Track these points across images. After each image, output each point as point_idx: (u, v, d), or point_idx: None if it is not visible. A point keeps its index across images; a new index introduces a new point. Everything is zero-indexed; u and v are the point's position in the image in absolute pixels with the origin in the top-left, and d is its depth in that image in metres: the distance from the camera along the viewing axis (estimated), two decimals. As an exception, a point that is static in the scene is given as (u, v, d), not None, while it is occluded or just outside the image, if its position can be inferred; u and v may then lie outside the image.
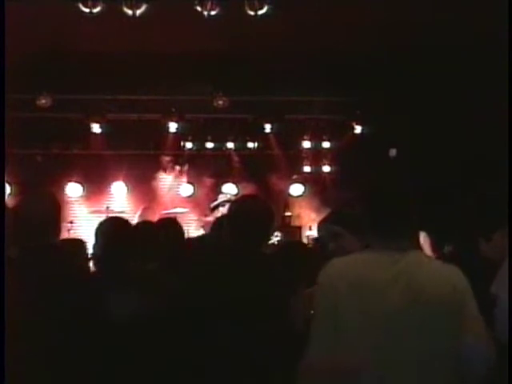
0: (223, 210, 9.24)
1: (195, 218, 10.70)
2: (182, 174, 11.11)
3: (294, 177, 11.21)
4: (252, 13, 7.20)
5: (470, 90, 8.35)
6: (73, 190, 10.65)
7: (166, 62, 8.94)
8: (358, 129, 10.73)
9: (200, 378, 2.95)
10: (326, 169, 11.30)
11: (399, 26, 7.78)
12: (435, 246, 3.84)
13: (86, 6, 7.05)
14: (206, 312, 2.99)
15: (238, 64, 9.08)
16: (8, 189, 8.67)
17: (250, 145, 11.17)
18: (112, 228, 3.78)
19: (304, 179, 11.23)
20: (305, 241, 10.25)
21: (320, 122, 10.96)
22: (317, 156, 11.30)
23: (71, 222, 9.87)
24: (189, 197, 11.01)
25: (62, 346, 2.85)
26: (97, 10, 7.06)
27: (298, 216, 11.03)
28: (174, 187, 11.13)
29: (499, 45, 6.44)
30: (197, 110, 10.60)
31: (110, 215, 7.11)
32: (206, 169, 10.99)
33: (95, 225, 3.85)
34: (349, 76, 9.16)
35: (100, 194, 10.85)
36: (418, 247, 2.65)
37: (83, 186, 10.70)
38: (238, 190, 10.70)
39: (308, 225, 10.66)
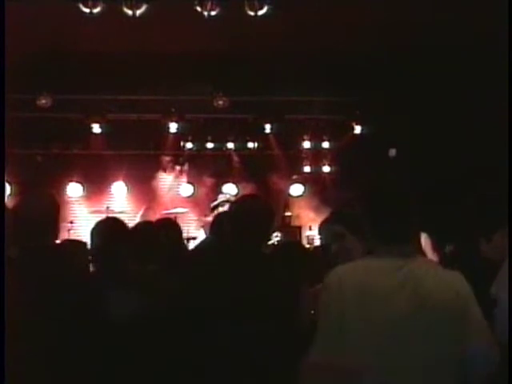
0: (222, 210, 9.23)
1: (195, 217, 10.70)
2: (182, 174, 11.12)
3: (294, 177, 11.22)
4: (252, 13, 7.21)
5: (469, 90, 8.35)
6: (73, 189, 10.67)
7: (166, 61, 8.94)
8: (357, 129, 10.74)
9: (200, 378, 2.95)
10: (326, 169, 11.31)
11: (399, 26, 7.78)
12: (436, 246, 3.84)
13: (86, 6, 7.05)
14: (206, 312, 2.99)
15: (238, 64, 9.08)
16: (8, 189, 8.67)
17: (250, 145, 11.18)
18: (107, 229, 3.78)
19: (304, 179, 11.24)
20: (305, 241, 10.27)
21: (320, 121, 10.97)
22: (317, 156, 11.31)
23: (71, 222, 9.88)
24: (189, 197, 11.01)
25: (61, 346, 2.85)
26: (97, 10, 7.06)
27: (298, 216, 11.04)
28: (174, 187, 11.14)
29: (499, 45, 6.44)
30: (197, 109, 10.60)
31: (109, 215, 7.13)
32: (206, 169, 10.99)
33: (95, 225, 3.86)
34: (349, 76, 9.16)
35: (100, 194, 10.86)
36: (420, 251, 2.65)
37: (83, 185, 10.71)
38: (238, 190, 10.71)
39: (308, 225, 10.67)
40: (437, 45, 8.16)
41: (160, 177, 11.04)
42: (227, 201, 9.43)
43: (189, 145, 11.04)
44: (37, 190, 4.91)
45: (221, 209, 9.63)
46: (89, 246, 4.03)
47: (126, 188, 10.86)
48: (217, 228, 4.80)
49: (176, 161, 11.10)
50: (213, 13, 7.15)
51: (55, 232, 3.22)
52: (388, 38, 8.24)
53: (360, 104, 10.40)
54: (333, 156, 11.23)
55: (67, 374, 2.85)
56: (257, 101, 10.49)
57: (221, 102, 10.32)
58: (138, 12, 7.13)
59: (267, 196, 8.98)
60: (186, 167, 11.10)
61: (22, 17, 6.65)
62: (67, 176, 10.56)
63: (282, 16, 7.50)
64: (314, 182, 11.20)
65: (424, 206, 2.72)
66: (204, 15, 7.17)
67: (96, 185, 10.81)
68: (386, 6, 7.33)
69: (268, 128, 10.80)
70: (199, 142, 11.03)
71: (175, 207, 10.56)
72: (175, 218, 7.69)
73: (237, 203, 3.49)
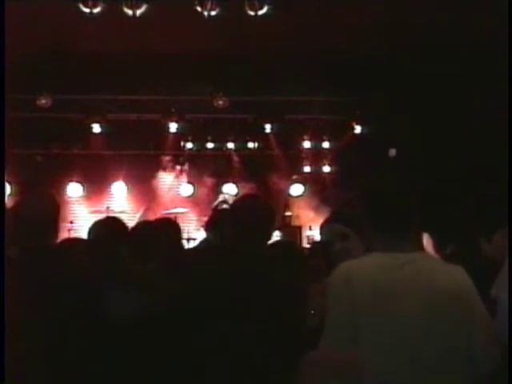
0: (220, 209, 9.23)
1: (195, 217, 10.70)
2: (182, 174, 11.13)
3: (294, 177, 11.22)
4: (252, 13, 7.21)
5: (469, 90, 8.35)
6: (73, 189, 10.67)
7: (166, 61, 8.94)
8: (357, 129, 10.75)
9: (200, 379, 2.94)
10: (326, 169, 11.32)
11: (399, 26, 7.78)
12: (438, 246, 3.83)
13: (86, 6, 7.06)
14: (206, 312, 2.99)
15: (238, 64, 9.08)
16: (8, 189, 8.67)
17: (250, 145, 11.19)
18: (106, 228, 3.78)
19: (304, 179, 11.24)
20: (305, 241, 10.28)
21: (320, 121, 10.98)
22: (317, 156, 11.32)
23: (71, 222, 9.88)
24: (189, 197, 11.02)
25: (62, 346, 2.85)
26: (97, 10, 7.07)
27: (298, 216, 11.04)
28: (174, 187, 11.14)
29: (499, 45, 6.44)
30: (197, 109, 10.61)
31: (109, 215, 7.12)
32: (206, 169, 11.00)
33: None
34: (349, 76, 9.16)
35: (100, 193, 10.86)
36: (422, 248, 2.65)
37: (83, 185, 10.71)
38: (238, 189, 10.71)
39: (308, 225, 10.67)
40: (437, 45, 8.16)
41: (160, 177, 11.05)
42: (224, 201, 9.44)
43: (189, 145, 11.05)
44: (37, 190, 4.89)
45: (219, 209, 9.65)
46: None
47: (126, 188, 10.87)
48: (212, 227, 4.80)
49: (176, 161, 11.11)
50: (213, 13, 7.16)
51: (55, 232, 3.22)
52: (388, 38, 8.25)
53: (360, 104, 10.40)
54: (333, 156, 11.24)
55: (67, 373, 2.85)
56: (257, 101, 10.49)
57: (221, 102, 10.33)
58: (138, 12, 7.14)
59: (267, 196, 8.97)
60: (186, 167, 11.11)
61: (22, 17, 6.65)
62: (67, 176, 10.57)
63: (282, 16, 7.51)
64: (314, 182, 11.20)
65: (424, 206, 2.72)
66: (204, 15, 7.18)
67: (96, 185, 10.82)
68: (386, 5, 7.33)
69: (268, 128, 10.81)
70: (199, 141, 11.04)
71: (175, 207, 10.57)
72: (175, 217, 7.69)
73: (237, 203, 3.49)
